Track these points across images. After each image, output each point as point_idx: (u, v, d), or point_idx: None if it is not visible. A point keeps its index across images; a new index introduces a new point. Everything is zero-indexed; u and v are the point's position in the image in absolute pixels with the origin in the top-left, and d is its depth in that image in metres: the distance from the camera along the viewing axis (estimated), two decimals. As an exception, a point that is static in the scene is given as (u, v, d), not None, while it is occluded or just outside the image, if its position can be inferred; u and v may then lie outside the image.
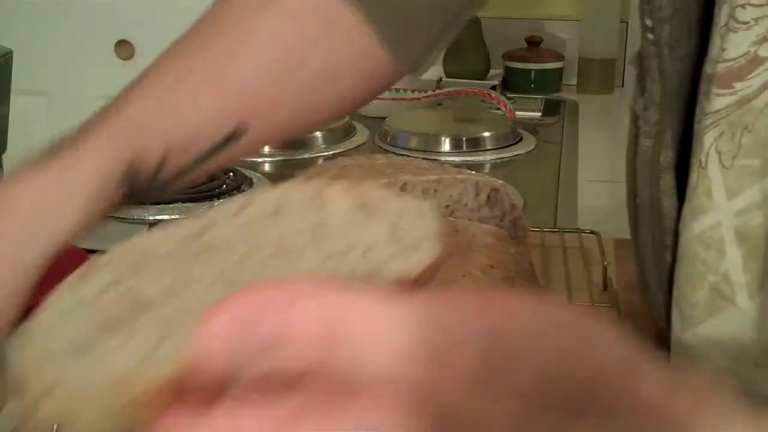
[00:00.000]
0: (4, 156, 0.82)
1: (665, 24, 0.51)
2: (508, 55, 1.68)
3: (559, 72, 1.68)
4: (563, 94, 1.64)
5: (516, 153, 1.24)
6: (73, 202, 0.53)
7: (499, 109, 1.41)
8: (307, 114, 0.61)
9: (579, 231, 0.81)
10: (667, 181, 0.54)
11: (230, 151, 0.56)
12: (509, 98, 1.44)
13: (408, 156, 1.16)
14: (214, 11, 0.59)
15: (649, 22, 0.52)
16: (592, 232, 0.80)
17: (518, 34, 1.70)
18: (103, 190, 0.53)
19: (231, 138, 0.56)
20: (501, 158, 1.23)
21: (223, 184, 1.05)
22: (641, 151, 0.55)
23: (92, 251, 0.83)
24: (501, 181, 0.94)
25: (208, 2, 0.60)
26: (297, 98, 0.59)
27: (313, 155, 1.24)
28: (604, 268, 0.72)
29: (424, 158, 0.86)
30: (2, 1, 1.97)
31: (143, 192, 0.55)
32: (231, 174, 1.09)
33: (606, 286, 0.71)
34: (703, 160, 0.49)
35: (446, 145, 1.24)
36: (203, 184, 1.05)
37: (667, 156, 0.53)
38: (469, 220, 0.65)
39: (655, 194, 0.55)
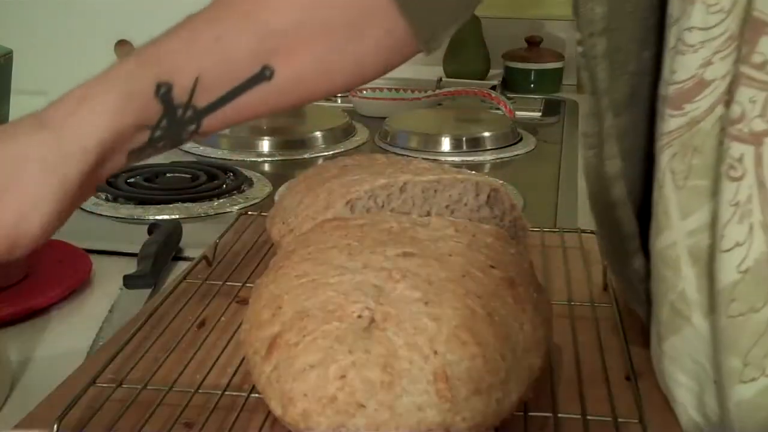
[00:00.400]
0: (4, 156, 0.82)
1: (599, 38, 0.52)
2: (508, 55, 1.68)
3: (559, 72, 1.68)
4: (563, 94, 1.64)
5: (516, 153, 1.25)
6: (103, 102, 0.54)
7: (499, 109, 1.41)
8: (327, 68, 0.63)
9: (579, 231, 0.81)
10: (618, 190, 0.55)
11: (258, 94, 0.59)
12: (509, 98, 1.44)
13: (408, 156, 1.16)
14: None
15: (577, 35, 0.53)
16: (592, 232, 0.80)
17: (518, 34, 1.70)
18: (134, 97, 0.55)
19: (258, 78, 0.59)
20: (501, 158, 1.23)
21: (223, 184, 1.05)
22: (587, 161, 0.56)
23: (93, 251, 0.84)
24: (501, 181, 0.94)
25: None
26: (318, 49, 0.61)
27: (313, 155, 1.24)
28: (604, 268, 0.72)
29: (424, 158, 0.86)
30: (2, 1, 1.97)
31: (178, 114, 0.57)
32: (231, 174, 1.09)
33: (606, 285, 0.71)
34: (660, 179, 0.50)
35: (446, 145, 1.24)
36: (203, 183, 1.05)
37: (615, 166, 0.55)
38: (469, 220, 0.65)
39: (609, 203, 0.56)
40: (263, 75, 0.59)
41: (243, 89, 0.59)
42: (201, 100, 0.58)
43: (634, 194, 0.56)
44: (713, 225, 0.46)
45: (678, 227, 0.49)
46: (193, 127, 0.59)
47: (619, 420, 0.52)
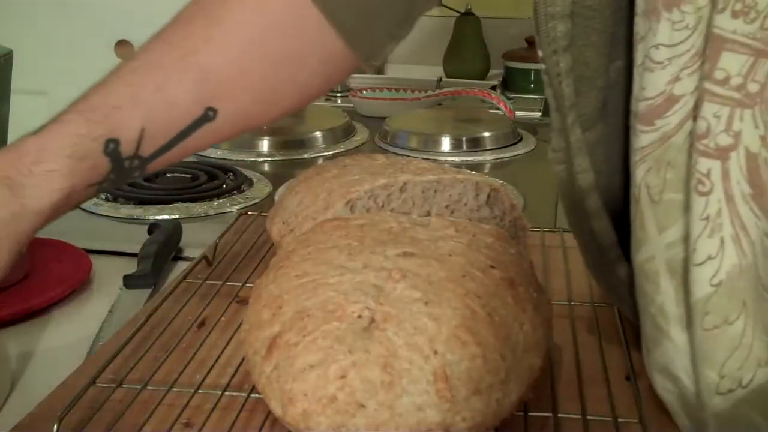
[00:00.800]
0: (4, 156, 0.82)
1: (562, 55, 0.52)
2: (508, 55, 1.68)
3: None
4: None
5: (516, 153, 1.24)
6: (56, 165, 0.55)
7: (499, 109, 1.41)
8: (270, 99, 0.63)
9: (579, 231, 0.81)
10: (592, 201, 0.55)
11: (202, 134, 0.60)
12: (509, 98, 1.44)
13: (408, 156, 1.16)
14: (189, 3, 0.62)
15: (540, 53, 0.53)
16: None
17: (518, 34, 1.70)
18: (85, 158, 0.56)
19: (201, 120, 0.60)
20: (501, 158, 1.23)
21: (223, 184, 1.05)
22: (558, 176, 0.57)
23: (93, 251, 0.84)
24: (501, 181, 0.94)
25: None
26: (260, 83, 0.62)
27: (313, 155, 1.24)
28: (604, 268, 0.72)
29: (424, 158, 0.86)
30: (2, 1, 1.97)
31: (126, 166, 0.58)
32: (231, 174, 1.09)
33: (606, 286, 0.71)
34: (636, 194, 0.50)
35: (446, 145, 1.24)
36: (203, 183, 1.05)
37: (587, 179, 0.55)
38: (469, 220, 0.65)
39: (584, 215, 0.56)
40: (206, 117, 0.60)
41: (187, 133, 0.60)
42: (147, 150, 0.59)
43: (614, 204, 0.56)
44: (686, 239, 0.47)
45: (656, 241, 0.49)
46: (137, 173, 0.60)
47: (619, 420, 0.52)
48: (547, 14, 0.52)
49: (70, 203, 0.57)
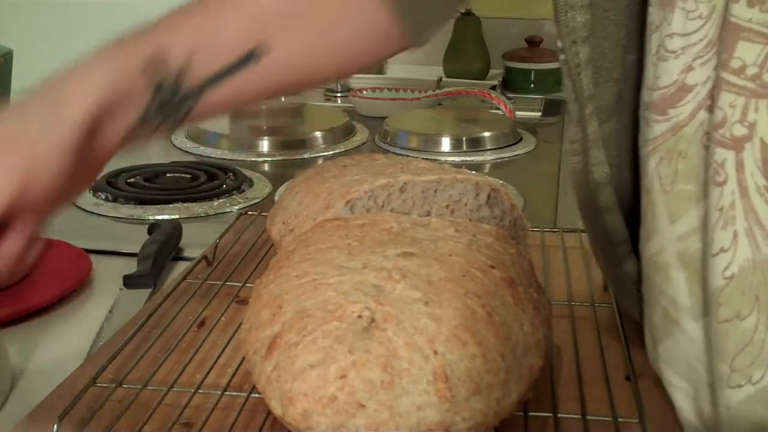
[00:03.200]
0: (4, 156, 0.82)
1: (581, 46, 0.52)
2: (508, 55, 1.68)
3: (559, 72, 1.66)
4: (563, 94, 1.64)
5: (516, 153, 1.25)
6: (99, 70, 0.55)
7: (499, 109, 1.41)
8: (321, 50, 0.62)
9: (579, 231, 0.81)
10: (606, 196, 0.55)
11: (250, 73, 0.59)
12: (509, 98, 1.44)
13: (408, 156, 1.16)
14: None
15: (559, 43, 0.53)
16: (592, 232, 0.80)
17: (518, 34, 1.70)
18: (129, 67, 0.55)
19: (251, 56, 0.59)
20: (501, 158, 1.23)
21: (223, 184, 1.05)
22: (572, 168, 0.57)
23: (93, 251, 0.84)
24: (501, 181, 0.94)
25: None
26: (313, 30, 0.61)
27: (313, 155, 1.24)
28: (604, 268, 0.72)
29: (424, 158, 0.86)
30: (2, 1, 1.97)
31: (170, 91, 0.57)
32: (231, 174, 1.09)
33: (606, 286, 0.71)
34: (648, 184, 0.50)
35: (446, 145, 1.24)
36: (203, 183, 1.05)
37: (602, 172, 0.55)
38: (469, 220, 0.65)
39: (597, 209, 0.56)
40: (256, 52, 0.59)
41: (237, 67, 0.59)
42: (196, 75, 0.58)
43: (624, 199, 0.56)
44: (704, 228, 0.46)
45: (666, 232, 0.49)
46: (189, 103, 0.58)
47: (619, 420, 0.52)
48: (566, 4, 0.52)
49: (113, 113, 0.56)
